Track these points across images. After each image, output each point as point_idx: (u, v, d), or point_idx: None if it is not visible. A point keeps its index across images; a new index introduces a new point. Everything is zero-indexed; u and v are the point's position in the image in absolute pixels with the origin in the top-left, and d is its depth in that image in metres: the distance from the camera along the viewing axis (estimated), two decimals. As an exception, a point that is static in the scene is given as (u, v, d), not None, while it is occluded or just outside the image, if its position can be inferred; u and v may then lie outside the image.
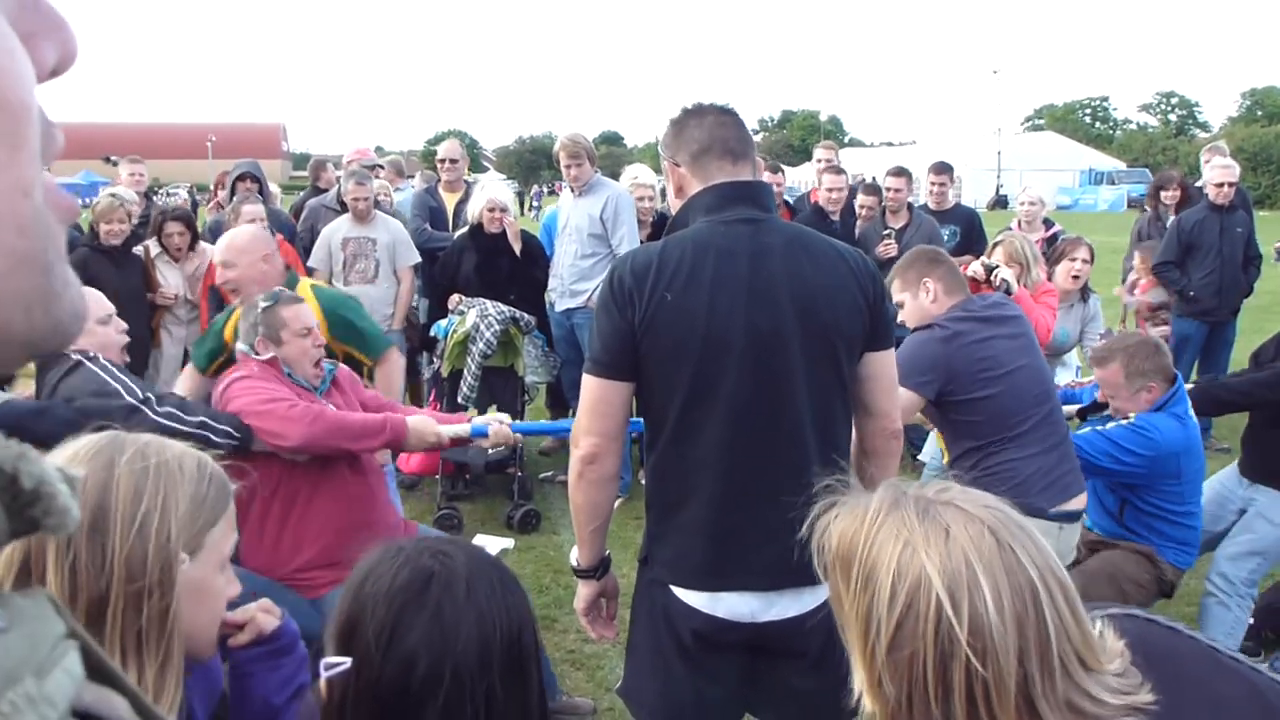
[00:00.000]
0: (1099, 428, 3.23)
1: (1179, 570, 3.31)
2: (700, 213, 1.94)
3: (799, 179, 19.90)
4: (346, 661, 1.10)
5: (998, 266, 4.24)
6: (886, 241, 5.66)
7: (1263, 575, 3.50)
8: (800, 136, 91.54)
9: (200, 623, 1.28)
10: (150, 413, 2.61)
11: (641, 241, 5.05)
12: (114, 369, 2.68)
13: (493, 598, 1.14)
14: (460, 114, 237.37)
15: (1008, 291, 4.08)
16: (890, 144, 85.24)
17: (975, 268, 4.34)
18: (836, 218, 5.90)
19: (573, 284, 5.22)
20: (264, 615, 1.50)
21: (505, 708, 1.11)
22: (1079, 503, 2.87)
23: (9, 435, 0.33)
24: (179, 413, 2.66)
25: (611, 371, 1.90)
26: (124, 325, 2.94)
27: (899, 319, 3.08)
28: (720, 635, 1.93)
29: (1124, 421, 3.19)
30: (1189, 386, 3.41)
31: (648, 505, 2.04)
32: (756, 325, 1.85)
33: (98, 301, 2.75)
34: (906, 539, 1.07)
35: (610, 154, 70.73)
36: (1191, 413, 3.27)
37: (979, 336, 2.82)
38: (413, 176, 8.59)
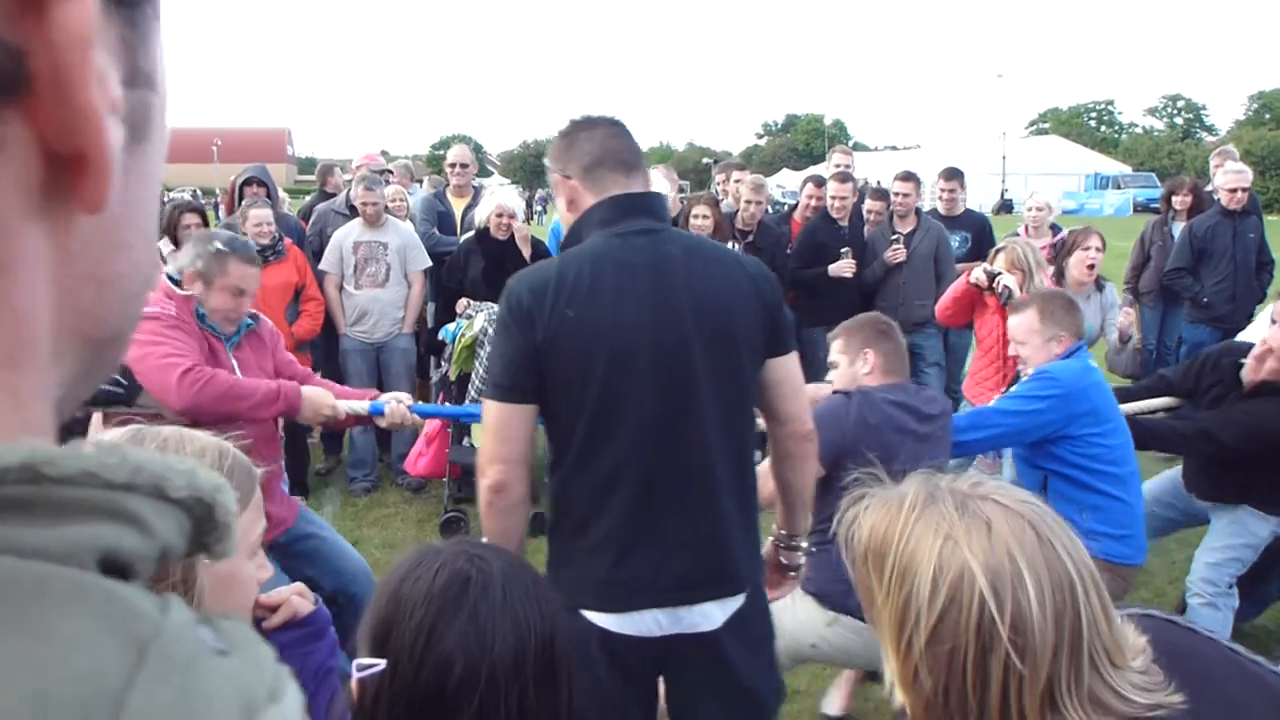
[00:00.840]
0: (994, 401, 3.15)
1: (1121, 567, 3.08)
2: (595, 226, 1.91)
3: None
4: (380, 663, 1.10)
5: (1000, 273, 4.24)
6: (895, 246, 5.66)
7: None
8: (804, 141, 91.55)
9: (230, 611, 1.29)
10: None
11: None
12: None
13: (528, 603, 1.14)
14: (465, 118, 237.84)
15: (1010, 298, 4.07)
16: (894, 148, 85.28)
17: (977, 274, 4.32)
18: (845, 224, 5.90)
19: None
20: (298, 599, 1.50)
21: (537, 713, 1.11)
22: None
23: None
24: None
25: (515, 394, 1.84)
26: None
27: (828, 378, 3.05)
28: (630, 652, 1.89)
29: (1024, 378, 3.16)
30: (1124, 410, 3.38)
31: (550, 532, 1.98)
32: (661, 337, 1.83)
33: None
34: (946, 532, 1.06)
35: (615, 158, 70.41)
36: (1093, 361, 3.26)
37: (895, 423, 2.74)
38: (420, 181, 8.62)
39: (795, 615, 2.81)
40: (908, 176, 5.89)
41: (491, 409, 1.87)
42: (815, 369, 4.30)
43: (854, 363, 2.89)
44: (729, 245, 5.22)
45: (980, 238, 6.08)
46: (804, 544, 2.28)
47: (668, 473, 1.86)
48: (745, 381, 1.93)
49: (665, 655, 1.93)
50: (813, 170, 8.45)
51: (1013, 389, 3.16)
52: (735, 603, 1.95)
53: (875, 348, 2.87)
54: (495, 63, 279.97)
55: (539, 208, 36.61)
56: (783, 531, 2.25)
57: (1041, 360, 3.19)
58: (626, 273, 1.84)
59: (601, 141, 1.95)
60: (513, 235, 5.32)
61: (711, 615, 1.92)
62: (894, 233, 5.75)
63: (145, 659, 0.26)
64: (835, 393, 2.88)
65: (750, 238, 5.63)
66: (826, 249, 5.76)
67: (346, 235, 5.53)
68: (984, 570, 1.02)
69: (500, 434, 1.86)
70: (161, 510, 0.30)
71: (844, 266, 5.66)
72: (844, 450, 2.67)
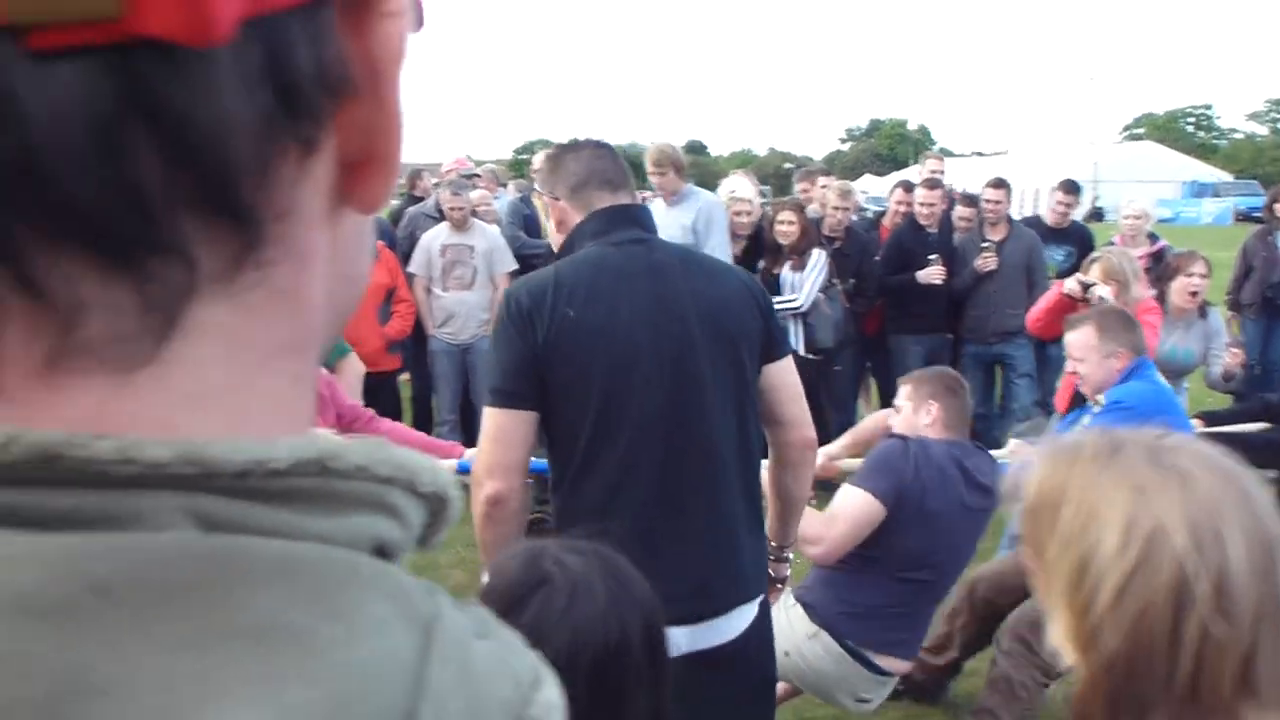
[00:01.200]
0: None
1: None
2: (588, 238, 1.91)
3: (885, 189, 19.58)
4: None
5: (1094, 284, 4.10)
6: (986, 254, 5.54)
7: None
8: (888, 145, 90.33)
9: None
10: None
11: (735, 256, 5.05)
12: None
13: (592, 617, 1.10)
14: (547, 123, 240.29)
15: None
16: (980, 154, 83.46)
17: (1070, 285, 4.18)
18: (934, 230, 5.80)
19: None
20: None
21: None
22: (889, 665, 2.77)
23: None
24: None
25: (515, 400, 1.80)
26: None
27: (891, 420, 3.04)
28: None
29: (1095, 409, 3.07)
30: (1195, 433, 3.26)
31: None
32: (663, 339, 1.82)
33: None
34: (1137, 484, 0.98)
35: (695, 163, 70.62)
36: (1161, 377, 3.20)
37: (946, 476, 2.69)
38: (505, 185, 8.75)
39: (777, 621, 2.80)
40: (999, 184, 5.77)
41: (490, 416, 1.84)
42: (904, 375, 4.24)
43: (917, 411, 2.90)
44: (816, 251, 5.18)
45: (1085, 251, 5.89)
46: (791, 555, 2.26)
47: (676, 475, 1.82)
48: (749, 383, 1.92)
49: (687, 678, 1.89)
50: (898, 175, 8.34)
51: (1084, 422, 3.07)
52: (751, 610, 1.93)
53: (941, 401, 2.88)
54: (576, 67, 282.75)
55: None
56: (772, 543, 2.20)
57: (1100, 378, 3.13)
58: (623, 279, 1.84)
59: (587, 162, 1.98)
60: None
61: (733, 623, 1.88)
62: (984, 240, 5.64)
63: (432, 639, 0.27)
64: (892, 436, 2.88)
65: (838, 244, 5.58)
66: (914, 256, 5.67)
67: (434, 238, 5.65)
68: (1184, 525, 0.94)
69: (498, 441, 1.82)
70: (414, 504, 0.31)
71: (933, 273, 5.56)
72: (905, 491, 2.65)
